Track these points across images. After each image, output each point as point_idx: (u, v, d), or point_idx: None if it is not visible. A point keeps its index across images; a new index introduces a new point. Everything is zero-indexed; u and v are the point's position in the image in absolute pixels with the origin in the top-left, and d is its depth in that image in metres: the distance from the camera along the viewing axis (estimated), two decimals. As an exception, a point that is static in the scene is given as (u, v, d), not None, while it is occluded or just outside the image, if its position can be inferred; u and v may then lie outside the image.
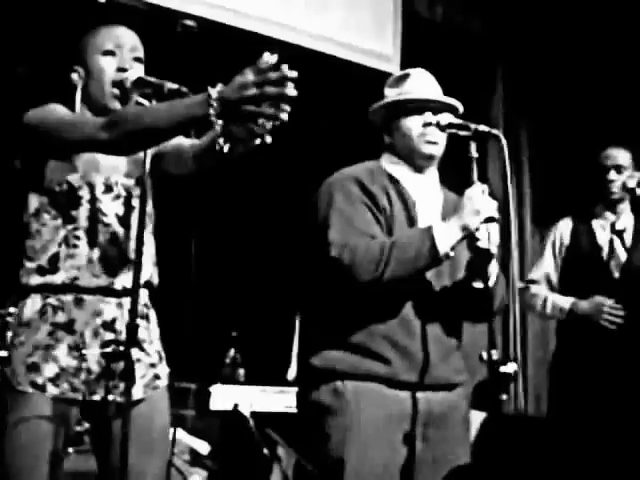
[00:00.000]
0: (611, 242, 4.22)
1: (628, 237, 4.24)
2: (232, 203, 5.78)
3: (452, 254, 2.71)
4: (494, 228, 2.70)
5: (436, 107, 2.94)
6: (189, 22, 4.81)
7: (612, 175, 4.23)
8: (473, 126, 2.78)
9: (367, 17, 5.67)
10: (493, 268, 2.78)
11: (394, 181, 2.92)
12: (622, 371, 4.01)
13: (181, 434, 4.55)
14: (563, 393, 4.13)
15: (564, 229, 4.31)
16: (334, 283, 2.74)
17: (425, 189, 2.96)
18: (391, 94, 3.03)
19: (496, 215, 2.69)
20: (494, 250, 2.70)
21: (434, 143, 2.93)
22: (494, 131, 2.79)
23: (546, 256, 4.33)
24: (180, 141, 2.65)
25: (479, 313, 2.89)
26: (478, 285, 2.75)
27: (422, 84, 3.02)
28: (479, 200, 2.69)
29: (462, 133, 2.79)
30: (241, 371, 5.35)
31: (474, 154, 2.75)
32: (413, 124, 2.93)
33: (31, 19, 4.47)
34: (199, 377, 5.01)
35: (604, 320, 4.01)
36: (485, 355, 2.54)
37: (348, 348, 2.73)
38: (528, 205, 6.59)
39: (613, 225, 4.25)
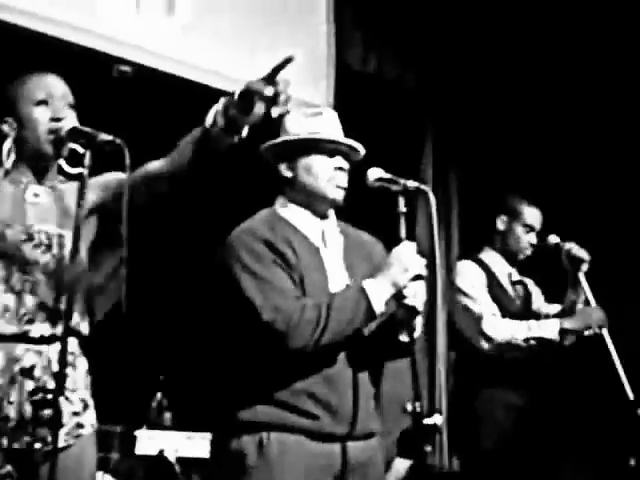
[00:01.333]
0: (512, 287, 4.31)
1: (520, 290, 4.36)
2: (161, 242, 5.77)
3: (385, 311, 2.70)
4: (421, 285, 2.70)
5: (344, 150, 2.90)
6: (125, 67, 4.81)
7: (533, 238, 4.33)
8: (402, 181, 2.80)
9: (300, 68, 5.69)
10: (419, 322, 2.76)
11: (294, 230, 2.85)
12: (537, 419, 4.07)
13: (106, 478, 4.51)
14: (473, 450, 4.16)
15: (473, 270, 4.32)
16: (264, 347, 2.67)
17: (326, 233, 2.91)
18: (298, 128, 2.92)
19: (424, 273, 2.70)
20: (420, 307, 2.70)
21: (342, 188, 2.89)
22: (423, 187, 2.81)
23: (483, 295, 4.21)
24: (110, 178, 2.68)
25: (399, 351, 2.85)
26: (404, 338, 2.75)
27: (334, 125, 2.96)
28: (408, 258, 2.69)
29: (392, 188, 2.80)
30: (167, 415, 5.30)
31: (402, 209, 2.77)
32: (324, 166, 2.87)
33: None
34: (125, 420, 4.97)
35: (597, 327, 4.07)
36: (409, 406, 2.55)
37: (274, 404, 2.67)
38: (455, 249, 6.70)
39: (510, 276, 4.35)
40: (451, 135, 6.70)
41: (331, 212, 2.97)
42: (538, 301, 4.39)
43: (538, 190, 4.63)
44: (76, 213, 2.39)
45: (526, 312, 4.26)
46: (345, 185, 2.90)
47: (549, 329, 4.07)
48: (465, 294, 4.19)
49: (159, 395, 5.33)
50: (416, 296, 2.68)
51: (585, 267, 4.16)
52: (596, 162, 6.03)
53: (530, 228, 4.30)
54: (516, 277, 4.36)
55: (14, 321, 2.50)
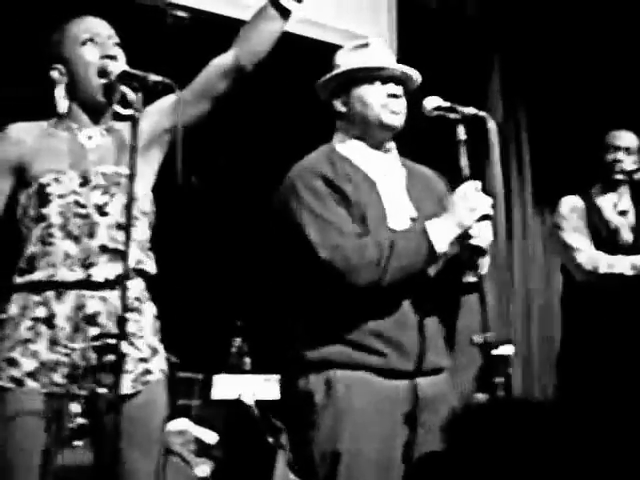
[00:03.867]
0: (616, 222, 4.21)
1: (631, 219, 4.23)
2: (237, 187, 5.78)
3: (449, 252, 2.66)
4: (486, 224, 2.65)
5: (396, 77, 2.85)
6: (180, 12, 4.78)
7: (620, 155, 4.21)
8: (460, 109, 2.73)
9: (362, 3, 5.64)
10: (485, 262, 2.72)
11: (353, 165, 2.81)
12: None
13: (187, 424, 4.57)
14: (573, 377, 4.10)
15: (575, 204, 4.24)
16: (324, 286, 2.66)
17: (385, 166, 2.87)
18: (350, 62, 2.87)
19: (491, 212, 2.64)
20: (486, 247, 2.66)
21: (397, 113, 2.83)
22: (481, 113, 2.75)
23: (581, 230, 4.16)
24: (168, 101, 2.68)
25: (466, 289, 2.83)
26: (470, 279, 2.71)
27: (384, 53, 2.92)
28: (473, 197, 2.64)
29: (451, 116, 2.74)
30: (247, 360, 5.35)
31: (462, 137, 2.71)
32: (377, 94, 2.82)
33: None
34: (205, 367, 5.02)
35: None
36: (477, 338, 2.52)
37: (341, 342, 2.67)
38: (529, 187, 6.58)
39: (615, 206, 4.24)
40: (520, 67, 6.55)
41: (392, 145, 2.92)
42: None
43: (610, 124, 4.51)
44: (130, 156, 2.38)
45: (629, 248, 4.16)
46: (401, 111, 2.84)
47: (630, 265, 3.99)
48: (561, 228, 4.16)
49: (239, 340, 5.37)
50: (481, 236, 2.63)
51: None
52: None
53: (615, 148, 4.21)
54: (623, 207, 4.25)
55: (76, 267, 2.49)
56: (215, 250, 5.47)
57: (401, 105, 2.84)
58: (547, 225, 4.50)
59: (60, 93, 2.62)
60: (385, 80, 2.84)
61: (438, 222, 2.64)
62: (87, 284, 2.49)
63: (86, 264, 2.50)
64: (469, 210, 2.63)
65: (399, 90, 2.85)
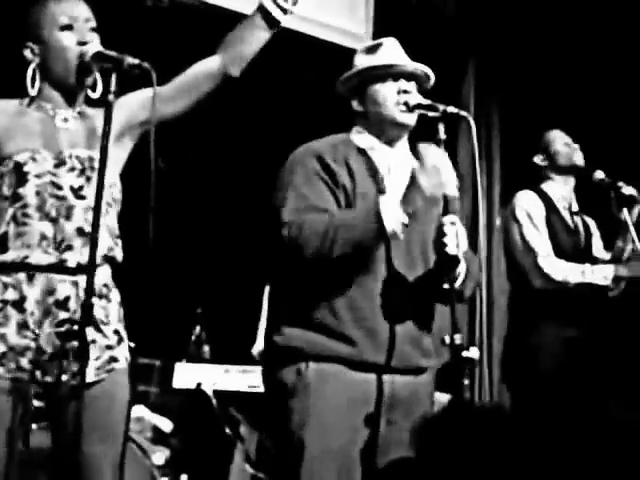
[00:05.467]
0: (572, 222, 4.23)
1: (579, 220, 4.27)
2: (200, 175, 5.75)
3: (401, 236, 2.67)
4: (462, 233, 2.68)
5: (409, 75, 2.92)
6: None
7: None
8: (442, 107, 2.76)
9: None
10: (461, 269, 2.74)
11: (362, 153, 2.88)
12: (589, 352, 4.00)
13: (144, 412, 4.52)
14: (521, 380, 4.10)
15: (535, 201, 4.24)
16: (285, 259, 2.74)
17: (395, 161, 2.92)
18: (364, 62, 2.96)
19: (454, 191, 2.70)
20: (461, 255, 2.68)
21: (410, 110, 2.87)
22: (463, 113, 2.77)
23: (541, 230, 4.15)
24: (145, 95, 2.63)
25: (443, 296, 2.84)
26: (445, 286, 2.71)
27: (395, 52, 2.98)
28: (435, 174, 2.68)
29: (431, 114, 2.77)
30: (206, 348, 5.31)
31: (442, 136, 2.73)
32: (389, 91, 2.88)
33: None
34: (164, 354, 4.98)
35: None
36: (448, 339, 2.53)
37: (312, 327, 2.70)
38: (497, 186, 6.59)
39: (570, 205, 4.26)
40: (494, 64, 6.56)
41: (403, 141, 2.98)
42: (597, 244, 4.29)
43: (583, 124, 4.53)
44: (102, 139, 2.33)
45: (584, 250, 4.18)
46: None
47: (602, 275, 4.00)
48: (522, 223, 4.14)
49: (198, 328, 5.33)
50: (457, 245, 2.65)
51: (637, 209, 4.07)
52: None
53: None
54: (576, 208, 4.26)
55: (51, 249, 2.44)
56: (178, 236, 5.43)
57: (413, 100, 2.86)
58: (503, 218, 4.46)
59: (31, 73, 2.56)
60: (396, 77, 2.90)
61: (392, 200, 2.67)
62: (59, 268, 2.45)
63: (62, 247, 2.46)
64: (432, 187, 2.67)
65: (410, 86, 2.90)
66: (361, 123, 2.97)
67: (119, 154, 2.65)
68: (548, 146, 4.29)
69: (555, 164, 4.25)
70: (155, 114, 2.40)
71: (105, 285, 2.56)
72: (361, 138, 2.94)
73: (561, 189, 4.25)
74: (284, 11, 2.71)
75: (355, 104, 2.97)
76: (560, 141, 4.28)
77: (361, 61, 2.98)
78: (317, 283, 2.72)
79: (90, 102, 2.65)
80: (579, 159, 4.22)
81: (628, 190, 4.08)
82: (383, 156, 2.91)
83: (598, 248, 4.27)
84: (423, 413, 2.84)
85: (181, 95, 2.67)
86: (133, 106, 2.64)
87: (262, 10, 2.69)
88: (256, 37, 2.72)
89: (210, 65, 2.71)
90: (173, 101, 2.65)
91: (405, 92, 2.87)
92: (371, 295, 2.73)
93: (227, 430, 4.49)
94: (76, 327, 2.25)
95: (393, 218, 2.63)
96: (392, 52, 2.97)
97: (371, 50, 3.00)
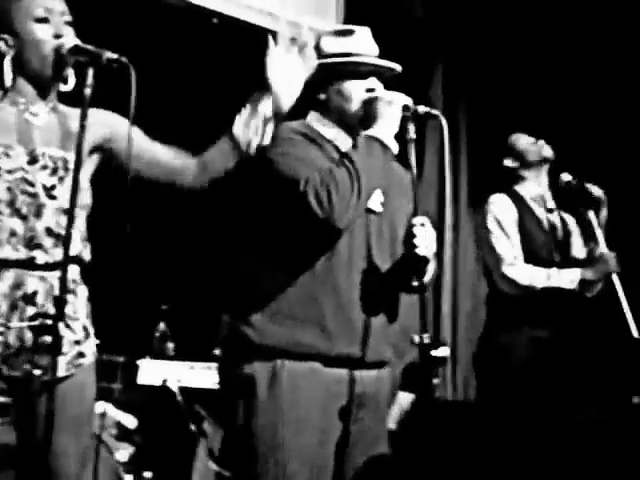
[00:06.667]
0: (548, 221, 4.25)
1: (557, 218, 4.29)
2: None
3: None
4: (431, 234, 2.67)
5: (378, 70, 2.85)
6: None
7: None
8: (412, 107, 2.74)
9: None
10: (429, 269, 2.75)
11: (327, 140, 2.82)
12: (558, 353, 4.03)
13: (108, 408, 4.50)
14: (492, 378, 4.13)
15: (507, 205, 4.24)
16: (310, 224, 2.62)
17: None
18: (332, 48, 2.86)
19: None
20: (431, 255, 2.68)
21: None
22: (434, 111, 2.75)
23: (510, 236, 4.14)
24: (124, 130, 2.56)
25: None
26: (414, 283, 2.69)
27: (367, 45, 2.88)
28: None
29: (403, 114, 2.73)
30: (170, 345, 5.29)
31: (412, 135, 2.72)
32: (356, 88, 2.81)
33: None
34: (128, 350, 4.96)
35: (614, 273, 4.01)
36: (417, 338, 2.53)
37: (288, 320, 2.65)
38: (464, 187, 6.63)
39: (545, 202, 4.28)
40: (461, 66, 6.60)
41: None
42: (577, 242, 4.31)
43: (550, 127, 4.56)
44: (79, 133, 2.31)
45: (562, 249, 4.20)
46: None
47: (568, 279, 4.02)
48: (491, 232, 4.13)
49: (162, 325, 5.31)
50: (427, 246, 2.64)
51: (604, 210, 4.10)
52: (614, 97, 5.93)
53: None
54: (552, 205, 4.29)
55: (20, 246, 2.42)
56: (142, 233, 5.40)
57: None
58: (475, 223, 4.49)
59: (7, 66, 2.51)
60: (365, 74, 2.83)
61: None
62: (28, 264, 2.43)
63: (31, 245, 2.44)
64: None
65: (379, 85, 2.84)
66: (321, 110, 2.88)
67: (89, 164, 2.61)
68: (515, 147, 4.31)
69: (526, 162, 4.27)
70: (131, 148, 2.39)
71: (73, 281, 2.54)
72: (323, 128, 2.86)
73: (535, 189, 4.27)
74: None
75: (318, 92, 2.86)
76: (524, 141, 4.31)
77: (328, 47, 2.88)
78: (296, 273, 2.67)
79: (65, 100, 2.62)
80: (548, 152, 4.25)
81: (595, 191, 4.11)
82: (346, 146, 2.81)
83: (578, 246, 4.29)
84: (383, 410, 2.86)
85: (137, 161, 2.56)
86: (108, 131, 2.62)
87: (231, 138, 2.60)
88: (226, 161, 2.63)
89: (178, 169, 2.64)
90: (132, 159, 2.55)
91: (373, 91, 2.81)
92: (350, 286, 2.71)
93: (191, 427, 4.49)
94: (49, 321, 2.24)
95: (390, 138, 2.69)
96: (364, 45, 2.87)
97: (340, 36, 2.89)
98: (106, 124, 2.61)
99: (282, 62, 2.56)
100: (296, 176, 2.60)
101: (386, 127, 2.70)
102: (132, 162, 2.49)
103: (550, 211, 4.27)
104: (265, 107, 2.53)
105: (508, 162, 4.32)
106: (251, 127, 2.56)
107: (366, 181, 2.62)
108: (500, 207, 4.19)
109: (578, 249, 4.28)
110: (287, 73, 2.57)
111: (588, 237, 4.19)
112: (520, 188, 4.28)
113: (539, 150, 4.26)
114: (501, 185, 4.32)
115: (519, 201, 4.22)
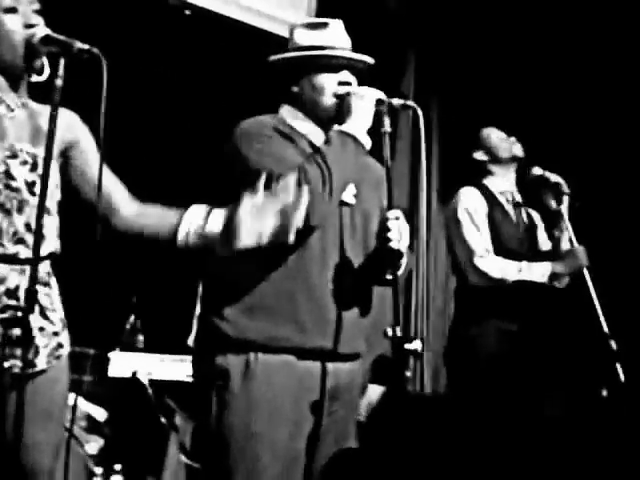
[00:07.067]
0: (516, 214, 4.27)
1: (524, 213, 4.31)
2: (138, 165, 5.70)
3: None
4: (405, 228, 2.68)
5: (350, 64, 2.86)
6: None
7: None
8: (387, 100, 2.75)
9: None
10: (403, 263, 2.75)
11: (299, 134, 2.82)
12: (527, 346, 4.04)
13: (78, 400, 4.48)
14: (461, 370, 4.14)
15: (476, 198, 4.26)
16: None
17: None
18: (304, 40, 2.88)
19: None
20: (404, 249, 2.68)
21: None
22: (410, 103, 2.78)
23: (481, 228, 4.16)
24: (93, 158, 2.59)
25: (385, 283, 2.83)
26: (388, 276, 2.71)
27: (339, 37, 2.89)
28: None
29: (377, 107, 2.75)
30: (140, 338, 5.27)
31: (387, 129, 2.73)
32: (328, 81, 2.82)
33: None
34: (98, 343, 4.94)
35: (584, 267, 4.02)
36: (390, 331, 2.53)
37: (262, 313, 2.65)
38: (435, 180, 6.63)
39: (513, 197, 4.30)
40: (434, 59, 6.61)
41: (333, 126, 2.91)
42: (542, 236, 4.34)
43: (521, 122, 4.58)
44: (49, 129, 2.30)
45: (529, 243, 4.22)
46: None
47: (539, 272, 4.04)
48: (462, 223, 4.15)
49: (132, 317, 5.29)
50: (400, 240, 2.65)
51: (566, 200, 4.12)
52: (584, 94, 5.95)
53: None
54: (518, 198, 4.31)
55: (5, 241, 2.41)
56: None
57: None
58: (445, 216, 4.50)
59: None
60: (338, 67, 2.84)
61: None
62: (12, 259, 2.42)
63: (14, 239, 2.42)
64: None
65: (351, 78, 2.85)
66: (294, 102, 2.89)
67: (54, 167, 2.57)
68: (486, 142, 4.33)
69: (496, 158, 4.29)
70: (102, 168, 2.41)
71: (47, 273, 2.54)
72: (296, 121, 2.86)
73: (502, 183, 4.29)
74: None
75: (291, 85, 2.88)
76: (496, 136, 4.33)
77: (301, 39, 2.89)
78: (270, 267, 2.68)
79: (35, 96, 2.60)
80: (519, 151, 4.28)
81: (553, 178, 4.14)
82: (320, 140, 2.83)
83: (544, 240, 4.32)
84: (355, 403, 2.87)
85: (92, 190, 2.56)
86: (80, 146, 2.62)
87: (181, 218, 2.56)
88: (158, 230, 2.61)
89: (118, 211, 2.62)
90: (87, 181, 2.59)
91: (346, 84, 2.82)
92: (322, 280, 2.71)
93: (162, 420, 4.47)
94: (19, 314, 2.23)
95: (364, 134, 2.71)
96: (337, 38, 2.89)
97: (313, 28, 2.90)
98: (72, 130, 2.60)
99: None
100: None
101: (359, 122, 2.72)
102: (82, 180, 2.56)
103: (517, 205, 4.30)
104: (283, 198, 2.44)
105: (478, 155, 4.34)
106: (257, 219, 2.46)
107: (338, 177, 2.64)
108: (470, 199, 4.21)
109: (544, 242, 4.31)
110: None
111: (553, 231, 4.22)
112: (488, 182, 4.30)
113: (510, 147, 4.29)
114: (470, 178, 4.34)
115: (488, 194, 4.23)
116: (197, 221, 2.52)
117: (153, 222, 2.59)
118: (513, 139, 4.31)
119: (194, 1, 5.03)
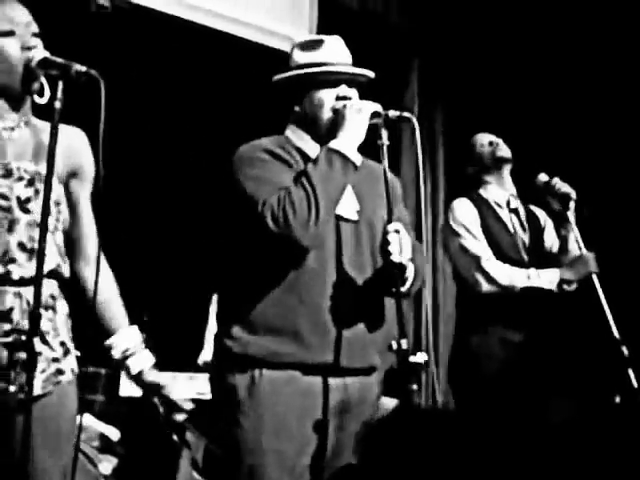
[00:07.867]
0: (513, 222, 4.25)
1: (522, 218, 4.29)
2: (145, 182, 5.73)
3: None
4: (406, 240, 2.66)
5: (348, 78, 2.86)
6: (102, 1, 4.71)
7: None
8: (383, 112, 2.75)
9: (283, 2, 5.63)
10: (408, 276, 2.74)
11: (304, 156, 2.83)
12: (533, 354, 4.02)
13: (90, 420, 4.49)
14: (464, 381, 4.12)
15: (463, 207, 4.24)
16: (274, 247, 2.68)
17: None
18: (303, 59, 2.89)
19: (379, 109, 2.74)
20: (406, 262, 2.67)
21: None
22: (405, 114, 2.77)
23: (478, 237, 4.14)
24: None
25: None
26: (393, 289, 2.69)
27: (338, 53, 2.90)
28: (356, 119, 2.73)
29: (373, 120, 2.75)
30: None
31: (385, 141, 2.73)
32: (327, 96, 2.83)
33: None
34: (110, 362, 4.94)
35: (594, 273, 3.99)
36: (395, 344, 2.52)
37: (266, 331, 2.67)
38: (442, 191, 6.64)
39: (509, 203, 4.28)
40: (437, 71, 6.61)
41: None
42: (549, 236, 4.31)
43: (526, 130, 4.57)
44: (49, 150, 2.30)
45: (532, 247, 4.21)
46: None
47: (548, 279, 4.01)
48: (459, 234, 4.13)
49: (144, 336, 5.29)
50: (401, 253, 2.64)
51: (572, 205, 4.09)
52: (587, 99, 5.95)
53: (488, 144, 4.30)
54: (514, 204, 4.29)
55: None
56: (124, 243, 5.40)
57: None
58: (441, 231, 4.50)
59: None
60: (336, 82, 2.85)
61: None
62: (3, 280, 2.41)
63: (5, 259, 2.41)
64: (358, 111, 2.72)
65: (350, 92, 2.86)
66: (297, 121, 2.91)
67: (57, 185, 2.57)
68: (472, 153, 4.32)
69: (484, 166, 4.28)
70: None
71: (52, 296, 2.52)
72: (300, 141, 2.88)
73: (498, 190, 4.27)
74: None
75: (293, 103, 2.90)
76: (479, 143, 4.31)
77: (300, 58, 2.91)
78: (270, 285, 2.70)
79: (39, 114, 2.61)
80: (503, 152, 4.26)
81: (559, 184, 4.11)
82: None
83: (551, 240, 4.28)
84: (369, 417, 2.84)
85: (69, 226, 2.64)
86: (79, 176, 2.65)
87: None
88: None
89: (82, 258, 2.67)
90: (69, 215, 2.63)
91: (345, 98, 2.83)
92: (321, 296, 2.71)
93: (174, 437, 4.47)
94: (24, 337, 2.23)
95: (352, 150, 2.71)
96: (334, 54, 2.89)
97: (311, 47, 2.91)
98: (77, 156, 2.62)
99: None
100: (255, 197, 2.64)
101: (349, 136, 2.72)
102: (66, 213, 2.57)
103: (515, 211, 4.27)
104: None
105: (469, 170, 4.34)
106: None
107: (327, 196, 2.64)
108: (461, 210, 4.20)
109: (551, 243, 4.28)
110: None
111: (560, 229, 4.19)
112: (484, 192, 4.28)
113: (493, 151, 4.26)
114: (468, 190, 4.34)
115: (482, 204, 4.21)
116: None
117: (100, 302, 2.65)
118: (497, 141, 4.29)
119: (194, 18, 5.03)
